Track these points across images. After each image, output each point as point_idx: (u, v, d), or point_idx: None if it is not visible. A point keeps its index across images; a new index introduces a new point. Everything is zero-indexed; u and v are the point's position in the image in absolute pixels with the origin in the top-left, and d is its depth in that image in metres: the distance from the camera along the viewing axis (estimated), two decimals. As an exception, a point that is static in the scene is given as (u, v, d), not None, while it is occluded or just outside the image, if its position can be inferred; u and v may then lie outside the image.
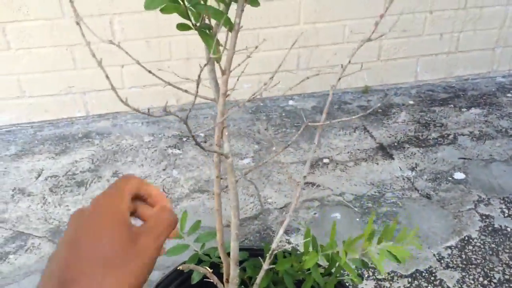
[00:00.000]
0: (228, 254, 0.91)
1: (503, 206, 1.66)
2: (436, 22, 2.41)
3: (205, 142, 2.07)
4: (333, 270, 0.94)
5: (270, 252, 0.86)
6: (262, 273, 0.87)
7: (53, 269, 0.34)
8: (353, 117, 0.65)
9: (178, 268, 0.92)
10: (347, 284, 1.17)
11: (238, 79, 0.91)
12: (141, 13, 2.06)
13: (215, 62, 0.79)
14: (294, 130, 2.16)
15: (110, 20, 2.05)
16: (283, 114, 2.30)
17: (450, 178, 1.82)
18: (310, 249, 0.89)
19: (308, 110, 2.34)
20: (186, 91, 0.91)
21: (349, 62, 0.72)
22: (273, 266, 0.88)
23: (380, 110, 2.33)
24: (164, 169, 1.88)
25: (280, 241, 0.88)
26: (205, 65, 0.79)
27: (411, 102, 2.40)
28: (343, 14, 2.29)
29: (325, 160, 1.94)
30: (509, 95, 2.46)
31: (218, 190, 0.89)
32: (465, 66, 2.57)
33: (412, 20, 2.37)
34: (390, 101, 2.42)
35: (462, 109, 2.32)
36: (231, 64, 0.78)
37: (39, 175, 1.83)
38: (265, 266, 0.87)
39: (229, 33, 0.68)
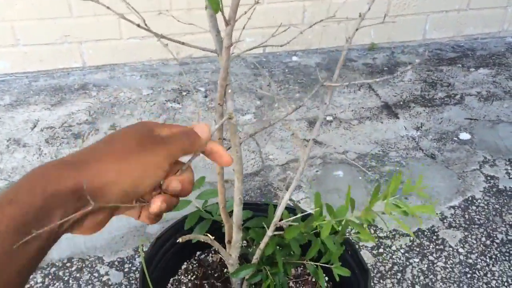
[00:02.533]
0: (230, 214, 0.87)
1: (509, 167, 1.63)
2: (449, -24, 2.30)
3: (206, 97, 2.02)
4: (339, 228, 0.92)
5: (275, 219, 0.82)
6: (266, 239, 0.83)
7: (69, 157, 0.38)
8: (378, 79, 0.60)
9: (177, 241, 0.88)
10: (353, 241, 1.15)
11: (243, 29, 0.85)
12: (139, -41, 1.96)
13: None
14: (297, 87, 2.10)
15: (107, -35, 1.95)
16: (286, 71, 2.24)
17: (456, 139, 1.78)
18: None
19: (311, 67, 2.27)
20: (183, 43, 0.84)
21: (362, 18, 0.66)
22: (278, 233, 0.84)
23: (386, 69, 2.26)
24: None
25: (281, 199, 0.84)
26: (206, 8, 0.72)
27: (418, 61, 2.33)
28: (352, -35, 2.18)
29: (329, 118, 1.90)
30: (519, 56, 2.39)
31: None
32: (475, 24, 2.49)
33: (424, -26, 2.27)
34: (396, 60, 2.35)
35: (470, 69, 2.26)
36: (236, 13, 0.70)
37: (34, 126, 1.79)
38: (270, 232, 0.83)
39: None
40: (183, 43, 0.76)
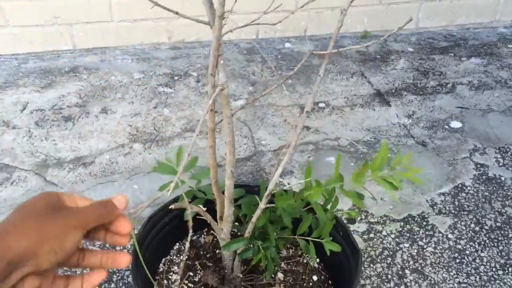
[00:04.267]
0: (223, 192, 0.87)
1: (498, 156, 1.65)
2: (443, -35, 2.30)
3: (198, 82, 2.00)
4: (328, 207, 0.92)
5: (267, 191, 0.83)
6: (258, 211, 0.84)
7: None
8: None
9: (170, 207, 0.88)
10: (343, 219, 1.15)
11: (235, 1, 0.84)
12: None
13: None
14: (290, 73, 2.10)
15: None
16: (279, 57, 2.23)
17: (447, 127, 1.79)
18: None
19: (305, 54, 2.26)
20: (177, 12, 0.83)
21: (349, 5, 0.66)
22: (270, 205, 0.85)
23: (378, 56, 2.27)
24: (155, 107, 1.82)
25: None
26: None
27: (411, 49, 2.33)
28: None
29: (321, 105, 1.90)
30: (510, 45, 2.40)
31: (213, 125, 0.84)
32: (467, 14, 2.49)
33: (418, -38, 2.26)
34: (389, 48, 2.35)
35: (462, 59, 2.27)
36: None
37: (24, 108, 1.76)
38: (262, 205, 0.83)
39: None
40: (176, 13, 0.74)
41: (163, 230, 0.97)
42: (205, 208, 0.86)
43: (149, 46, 2.23)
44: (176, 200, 0.97)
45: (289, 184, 1.48)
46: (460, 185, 1.52)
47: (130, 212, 0.52)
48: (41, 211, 0.42)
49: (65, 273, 0.48)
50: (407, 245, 1.31)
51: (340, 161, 0.76)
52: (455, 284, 1.20)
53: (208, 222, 0.87)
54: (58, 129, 1.67)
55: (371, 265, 1.24)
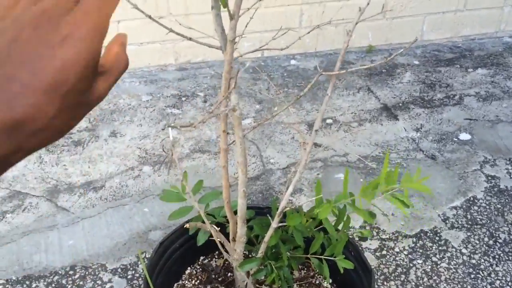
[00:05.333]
0: (235, 212, 0.88)
1: (509, 167, 1.63)
2: (445, -22, 2.32)
3: (205, 102, 2.02)
4: (340, 227, 0.92)
5: (279, 210, 0.83)
6: (271, 231, 0.84)
7: None
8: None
9: (184, 227, 0.89)
10: (355, 239, 1.15)
11: (246, 26, 0.85)
12: (137, -34, 1.96)
13: (222, 7, 0.73)
14: (297, 90, 2.11)
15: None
16: (285, 74, 2.24)
17: (456, 139, 1.78)
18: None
19: (310, 70, 2.27)
20: (190, 38, 0.85)
21: (356, 23, 0.67)
22: (282, 224, 0.85)
23: (384, 70, 2.27)
24: (163, 129, 1.83)
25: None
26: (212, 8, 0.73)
27: (416, 62, 2.34)
28: (349, -32, 2.19)
29: (328, 121, 1.90)
30: (516, 55, 2.40)
31: (225, 146, 0.85)
32: (472, 25, 2.49)
33: (420, -24, 2.28)
34: (394, 61, 2.35)
35: (468, 70, 2.26)
36: (240, 7, 0.72)
37: (35, 134, 1.78)
38: (274, 224, 0.84)
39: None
40: (190, 39, 0.76)
41: (174, 255, 0.97)
42: (219, 228, 0.87)
43: (156, 68, 2.26)
44: (187, 223, 0.97)
45: (299, 203, 1.48)
46: (471, 198, 1.50)
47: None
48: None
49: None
50: (420, 261, 1.29)
51: (348, 176, 0.76)
52: (471, 301, 1.18)
53: (222, 242, 0.87)
54: (68, 154, 1.69)
55: (385, 283, 1.23)
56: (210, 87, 2.11)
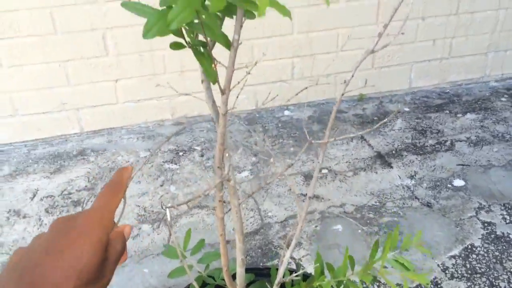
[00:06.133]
0: (234, 276, 0.89)
1: (504, 213, 1.65)
2: (429, 28, 2.42)
3: (202, 156, 2.05)
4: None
5: (277, 280, 0.84)
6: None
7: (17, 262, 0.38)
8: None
9: None
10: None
11: (237, 97, 0.90)
12: (133, 27, 2.05)
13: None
14: (292, 141, 2.15)
15: (102, 35, 2.03)
16: (279, 125, 2.29)
17: (450, 186, 1.81)
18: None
19: (304, 120, 2.33)
20: (188, 94, 0.89)
21: (352, 76, 0.71)
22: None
23: (375, 118, 2.33)
24: (161, 185, 1.85)
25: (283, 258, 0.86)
26: (202, 81, 0.77)
27: (407, 109, 2.40)
28: (336, 22, 2.29)
29: (324, 171, 1.93)
30: (503, 99, 2.47)
31: (222, 214, 0.87)
32: (458, 71, 2.58)
33: (404, 28, 2.38)
34: (385, 109, 2.42)
35: (458, 115, 2.32)
36: (230, 83, 0.76)
37: (34, 196, 1.80)
38: (273, 293, 0.85)
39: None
40: (187, 94, 0.79)
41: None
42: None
43: (154, 124, 2.30)
44: (188, 286, 0.97)
45: (300, 259, 1.48)
46: (469, 246, 1.51)
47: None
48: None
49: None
50: (422, 314, 1.29)
51: (348, 253, 0.78)
52: None
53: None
54: (67, 214, 1.69)
55: None
56: (206, 141, 2.15)
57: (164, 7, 0.44)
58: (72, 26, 1.99)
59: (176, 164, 2.00)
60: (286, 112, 2.41)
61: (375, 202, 1.74)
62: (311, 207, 1.71)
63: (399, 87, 2.55)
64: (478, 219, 1.63)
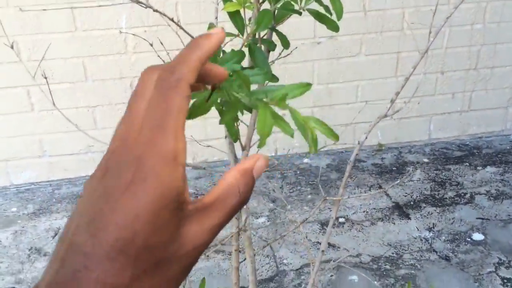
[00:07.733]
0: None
1: (526, 269, 1.62)
2: (448, 82, 2.45)
3: (220, 200, 2.08)
4: None
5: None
6: None
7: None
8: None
9: None
10: None
11: (258, 150, 0.94)
12: (160, 76, 2.15)
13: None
14: (309, 189, 2.17)
15: (130, 83, 2.14)
16: (298, 172, 2.32)
17: (469, 239, 1.79)
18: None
19: (322, 168, 2.35)
20: (209, 146, 0.93)
21: (366, 137, 0.74)
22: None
23: (394, 168, 2.33)
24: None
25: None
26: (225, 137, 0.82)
27: (426, 160, 2.40)
28: (356, 75, 2.35)
29: (341, 220, 1.93)
30: (524, 153, 2.45)
31: (237, 264, 0.89)
32: (478, 124, 2.59)
33: (424, 81, 2.42)
34: (404, 159, 2.42)
35: (478, 168, 2.31)
36: (251, 140, 0.80)
37: (55, 234, 1.85)
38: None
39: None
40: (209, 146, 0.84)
41: None
42: None
43: (174, 168, 2.36)
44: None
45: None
46: (489, 303, 1.48)
47: None
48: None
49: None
50: None
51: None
52: None
53: None
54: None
55: None
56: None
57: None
58: (102, 74, 2.10)
59: (194, 208, 2.03)
60: (305, 160, 2.44)
61: (392, 253, 1.72)
62: (327, 256, 1.71)
63: (419, 138, 2.57)
64: (497, 274, 1.59)
